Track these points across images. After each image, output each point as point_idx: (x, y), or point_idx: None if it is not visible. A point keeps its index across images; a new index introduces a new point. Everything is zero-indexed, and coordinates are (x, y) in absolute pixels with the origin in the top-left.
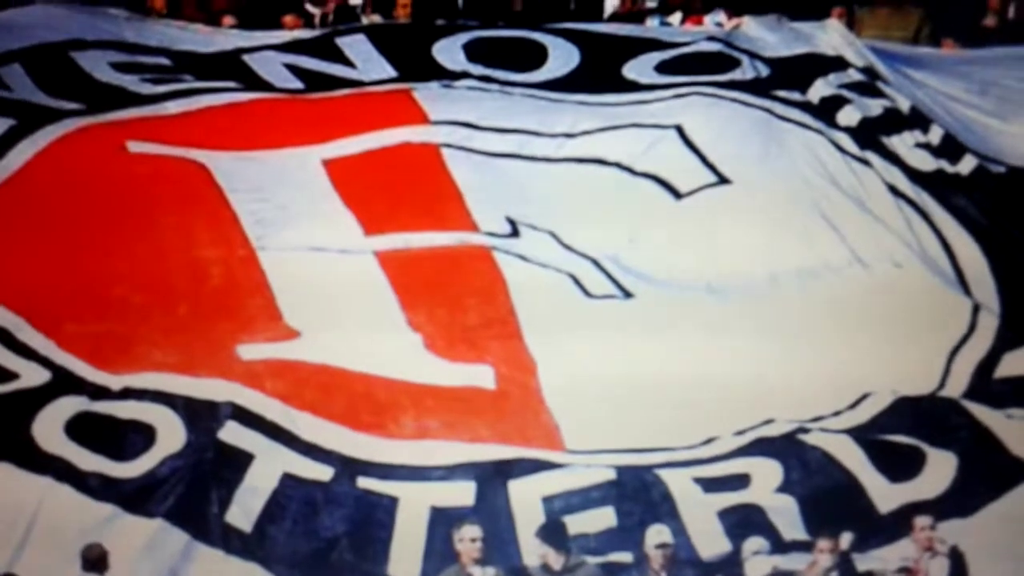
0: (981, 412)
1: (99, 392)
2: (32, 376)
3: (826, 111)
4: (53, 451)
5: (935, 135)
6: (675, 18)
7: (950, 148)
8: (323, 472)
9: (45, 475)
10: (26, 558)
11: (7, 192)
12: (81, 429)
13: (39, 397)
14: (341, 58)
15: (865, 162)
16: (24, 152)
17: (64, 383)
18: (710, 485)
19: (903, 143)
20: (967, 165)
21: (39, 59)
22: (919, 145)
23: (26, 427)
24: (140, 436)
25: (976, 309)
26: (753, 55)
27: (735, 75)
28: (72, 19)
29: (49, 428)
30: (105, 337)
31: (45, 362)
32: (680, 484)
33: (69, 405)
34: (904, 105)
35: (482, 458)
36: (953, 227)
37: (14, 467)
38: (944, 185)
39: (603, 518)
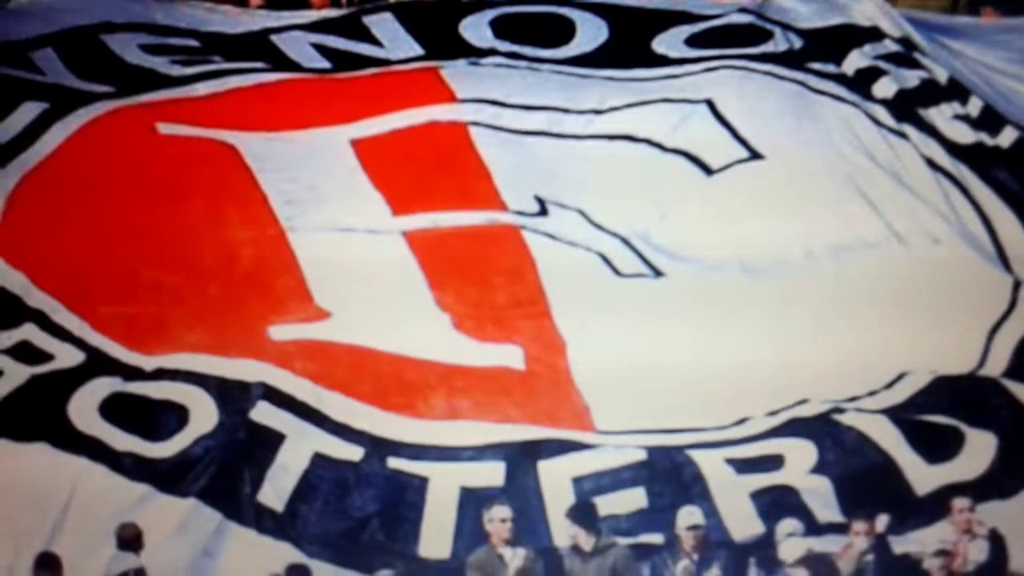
0: (1022, 391)
1: (132, 373)
2: (67, 357)
3: (862, 83)
4: (88, 431)
5: (974, 106)
6: None
7: (990, 120)
8: (354, 452)
9: (80, 455)
10: (62, 537)
11: (40, 175)
12: (115, 410)
13: (74, 378)
14: (368, 37)
15: (902, 135)
16: (56, 135)
17: (98, 364)
18: (743, 466)
19: (941, 115)
20: (1007, 137)
21: (70, 42)
22: (957, 117)
23: (61, 408)
24: (173, 416)
25: (1017, 286)
26: (786, 26)
27: (767, 47)
28: (102, 2)
29: (84, 409)
30: (138, 318)
31: (80, 343)
32: (712, 465)
33: (103, 386)
34: (942, 76)
35: (512, 438)
36: (993, 201)
37: (50, 447)
38: (984, 158)
39: (634, 499)
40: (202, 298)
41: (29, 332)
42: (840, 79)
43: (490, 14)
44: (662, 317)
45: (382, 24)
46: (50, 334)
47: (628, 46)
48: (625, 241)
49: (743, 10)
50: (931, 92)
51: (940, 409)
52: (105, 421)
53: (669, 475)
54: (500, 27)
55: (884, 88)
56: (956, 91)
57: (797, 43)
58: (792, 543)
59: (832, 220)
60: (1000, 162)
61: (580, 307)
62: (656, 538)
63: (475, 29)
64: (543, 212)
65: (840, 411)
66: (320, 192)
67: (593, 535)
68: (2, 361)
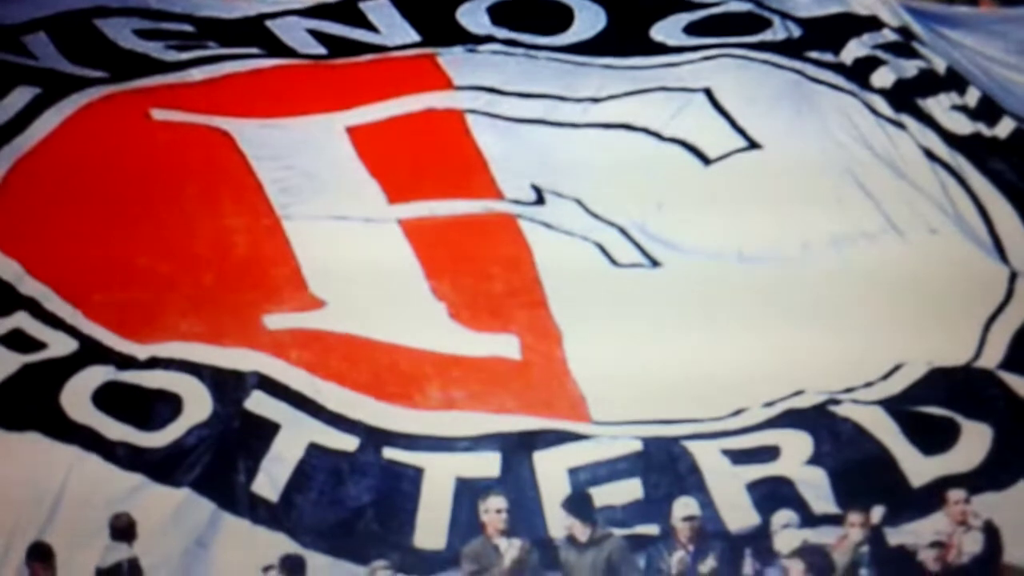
0: (1018, 383)
1: (126, 362)
2: (60, 346)
3: (860, 72)
4: (81, 420)
5: (972, 97)
6: None
7: (987, 110)
8: (349, 442)
9: (73, 444)
10: (55, 527)
11: (33, 161)
12: (108, 399)
13: (67, 367)
14: (364, 23)
15: (900, 125)
16: (49, 121)
17: (91, 353)
18: (738, 457)
19: (939, 105)
20: (1005, 128)
21: (63, 27)
22: (955, 107)
23: (54, 397)
24: (167, 406)
25: (1013, 277)
26: (785, 15)
27: (766, 36)
28: None
29: (77, 398)
30: (131, 307)
31: (72, 332)
32: (708, 456)
33: (96, 375)
34: (940, 66)
35: (507, 429)
36: (990, 192)
37: (43, 436)
38: (981, 148)
39: (630, 490)
40: (196, 286)
41: (21, 320)
42: (838, 68)
43: (487, 0)
44: (659, 307)
45: (378, 10)
46: (43, 322)
47: (626, 34)
48: (622, 231)
49: None
50: (929, 82)
51: (936, 401)
52: (98, 410)
53: (665, 466)
54: (497, 14)
55: (882, 78)
56: (954, 81)
57: (796, 32)
58: (787, 534)
59: (830, 210)
60: (997, 153)
61: (577, 297)
62: (652, 529)
63: (472, 16)
64: (540, 201)
65: (836, 402)
66: (315, 180)
67: (589, 526)
68: None
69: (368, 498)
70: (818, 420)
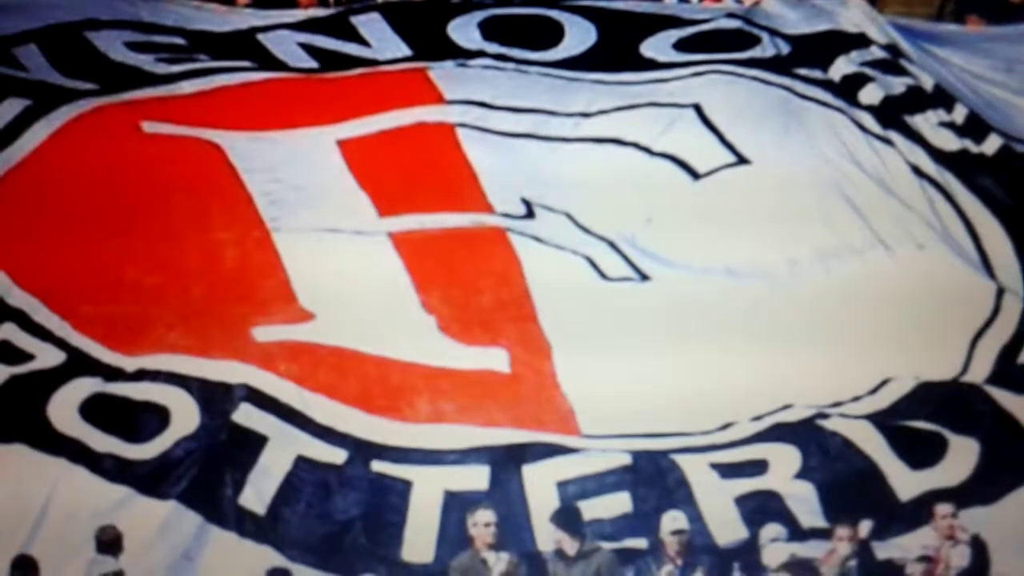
0: (1005, 398)
1: (113, 374)
2: (47, 357)
3: (848, 89)
4: (68, 432)
5: (959, 114)
6: None
7: (975, 127)
8: (337, 455)
9: (60, 456)
10: (41, 540)
11: (22, 173)
12: (96, 411)
13: (54, 378)
14: (356, 37)
15: (888, 142)
16: (39, 132)
17: (79, 364)
18: (727, 471)
19: (926, 122)
20: (992, 145)
21: (54, 39)
22: (943, 124)
23: (41, 408)
24: (154, 418)
25: (1000, 292)
26: (773, 32)
27: (755, 53)
28: None
29: (64, 409)
30: (120, 319)
31: (60, 343)
32: (696, 470)
33: (84, 386)
34: (928, 83)
35: (496, 442)
36: (977, 208)
37: (29, 448)
38: (968, 165)
39: (618, 503)
40: (185, 298)
41: (9, 331)
42: (827, 85)
43: (478, 16)
44: (648, 321)
45: (370, 24)
46: (30, 334)
47: (616, 50)
48: (612, 245)
49: (731, 15)
50: (917, 99)
51: (923, 415)
52: (85, 422)
53: (654, 480)
54: (488, 29)
55: (870, 94)
56: (942, 98)
57: (784, 49)
58: (776, 548)
59: (817, 226)
60: (984, 169)
61: (566, 310)
62: (640, 543)
63: (463, 30)
64: (530, 215)
65: (824, 416)
66: (306, 193)
67: (577, 539)
68: None
69: (356, 511)
70: (806, 434)
